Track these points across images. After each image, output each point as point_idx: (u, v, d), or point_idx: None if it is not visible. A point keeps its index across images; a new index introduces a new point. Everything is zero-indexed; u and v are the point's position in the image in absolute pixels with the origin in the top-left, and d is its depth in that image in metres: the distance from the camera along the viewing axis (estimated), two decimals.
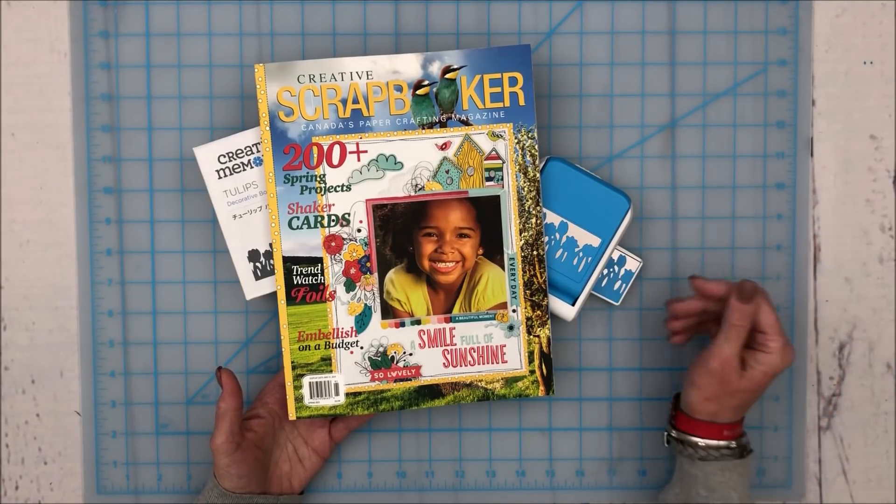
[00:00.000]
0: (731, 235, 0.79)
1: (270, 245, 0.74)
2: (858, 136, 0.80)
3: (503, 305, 0.74)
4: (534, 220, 0.73)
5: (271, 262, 0.74)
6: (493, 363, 0.75)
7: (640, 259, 0.78)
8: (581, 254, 0.75)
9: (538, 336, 0.74)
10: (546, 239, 0.74)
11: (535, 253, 0.74)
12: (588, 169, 0.77)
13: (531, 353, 0.74)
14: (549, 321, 0.74)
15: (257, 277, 0.75)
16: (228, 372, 0.71)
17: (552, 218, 0.75)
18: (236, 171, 0.74)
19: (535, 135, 0.73)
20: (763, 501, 0.80)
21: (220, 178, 0.74)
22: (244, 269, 0.75)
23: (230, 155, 0.74)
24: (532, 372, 0.75)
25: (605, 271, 0.77)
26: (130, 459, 0.79)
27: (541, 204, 0.74)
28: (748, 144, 0.79)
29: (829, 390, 0.81)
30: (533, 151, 0.73)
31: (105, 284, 0.79)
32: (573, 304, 0.75)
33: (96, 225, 0.78)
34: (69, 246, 0.79)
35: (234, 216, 0.74)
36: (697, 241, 0.79)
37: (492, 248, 0.74)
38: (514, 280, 0.74)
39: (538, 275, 0.74)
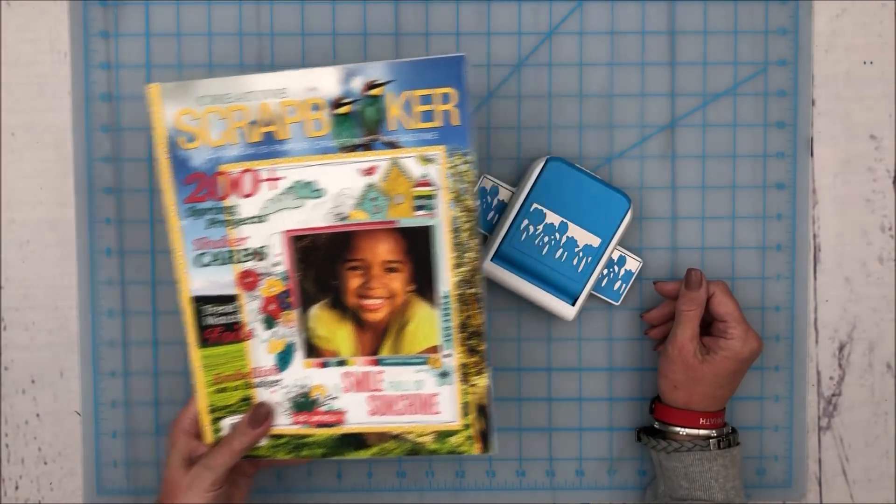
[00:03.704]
0: (731, 235, 0.79)
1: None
2: (858, 136, 0.80)
3: (435, 349, 0.67)
4: (470, 255, 0.65)
5: None
6: (423, 413, 0.68)
7: (640, 259, 0.78)
8: (581, 254, 0.75)
9: (475, 385, 0.67)
10: (483, 276, 0.68)
11: (471, 291, 0.66)
12: (588, 169, 0.77)
13: (466, 405, 0.68)
14: (488, 369, 0.67)
15: None
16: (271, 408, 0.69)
17: (552, 218, 0.75)
18: None
19: (473, 158, 0.65)
20: (763, 501, 0.80)
21: None
22: None
23: None
24: (467, 426, 0.68)
25: (605, 271, 0.77)
26: (130, 459, 0.79)
27: (478, 237, 0.66)
28: (748, 144, 0.79)
29: (829, 390, 0.81)
30: (469, 178, 0.65)
31: (105, 284, 0.79)
32: (573, 304, 0.75)
33: (96, 225, 0.78)
34: (69, 246, 0.79)
35: None
36: (697, 241, 0.79)
37: (424, 284, 0.66)
38: (447, 321, 0.66)
39: (475, 316, 0.66)
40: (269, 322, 0.68)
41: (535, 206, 0.75)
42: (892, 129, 0.80)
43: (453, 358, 0.67)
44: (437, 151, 0.65)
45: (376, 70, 0.64)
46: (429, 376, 0.68)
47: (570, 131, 0.79)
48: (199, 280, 0.67)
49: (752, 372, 0.79)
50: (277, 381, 0.69)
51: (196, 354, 0.68)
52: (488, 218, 0.78)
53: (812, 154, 0.80)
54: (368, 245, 0.66)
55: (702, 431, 0.73)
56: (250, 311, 0.68)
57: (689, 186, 0.79)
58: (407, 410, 0.68)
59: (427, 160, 0.65)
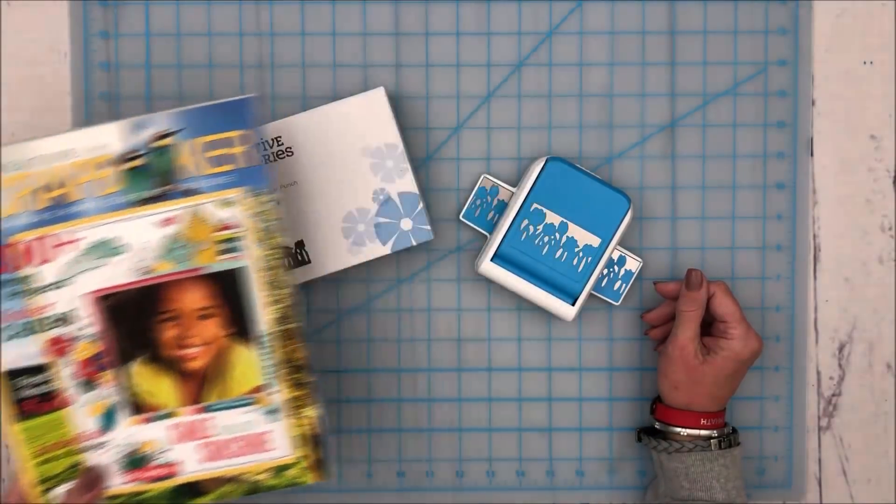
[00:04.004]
0: (731, 235, 0.79)
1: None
2: (858, 136, 0.80)
3: (260, 388, 0.67)
4: (284, 291, 0.66)
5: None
6: (257, 452, 0.68)
7: (640, 259, 0.78)
8: (581, 254, 0.75)
9: (305, 417, 0.68)
10: (303, 310, 0.66)
11: (289, 327, 0.66)
12: (588, 169, 0.77)
13: (298, 438, 0.68)
14: (317, 401, 0.68)
15: None
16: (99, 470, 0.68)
17: (552, 218, 0.75)
18: None
19: (275, 196, 0.65)
20: (763, 501, 0.80)
21: None
22: None
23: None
24: (301, 458, 0.68)
25: (605, 271, 0.77)
26: None
27: (289, 273, 0.66)
28: (748, 144, 0.79)
29: (829, 390, 0.81)
30: (273, 216, 0.65)
31: None
32: (573, 304, 0.75)
33: None
34: None
35: None
36: (697, 241, 0.79)
37: (241, 326, 0.66)
38: (269, 359, 0.67)
39: (297, 350, 0.67)
40: (88, 385, 0.67)
41: (535, 206, 0.75)
42: (892, 129, 0.80)
43: (280, 394, 0.67)
44: (236, 193, 0.65)
45: (163, 120, 0.64)
46: (258, 415, 0.68)
47: (570, 131, 0.79)
48: (7, 354, 0.66)
49: (752, 372, 0.79)
50: (104, 442, 0.68)
51: (14, 429, 0.67)
52: (488, 218, 0.78)
53: (812, 154, 0.80)
54: (178, 295, 0.66)
55: (703, 432, 0.73)
56: (66, 377, 0.67)
57: (689, 186, 0.79)
58: (241, 452, 0.68)
59: (227, 203, 0.65)
